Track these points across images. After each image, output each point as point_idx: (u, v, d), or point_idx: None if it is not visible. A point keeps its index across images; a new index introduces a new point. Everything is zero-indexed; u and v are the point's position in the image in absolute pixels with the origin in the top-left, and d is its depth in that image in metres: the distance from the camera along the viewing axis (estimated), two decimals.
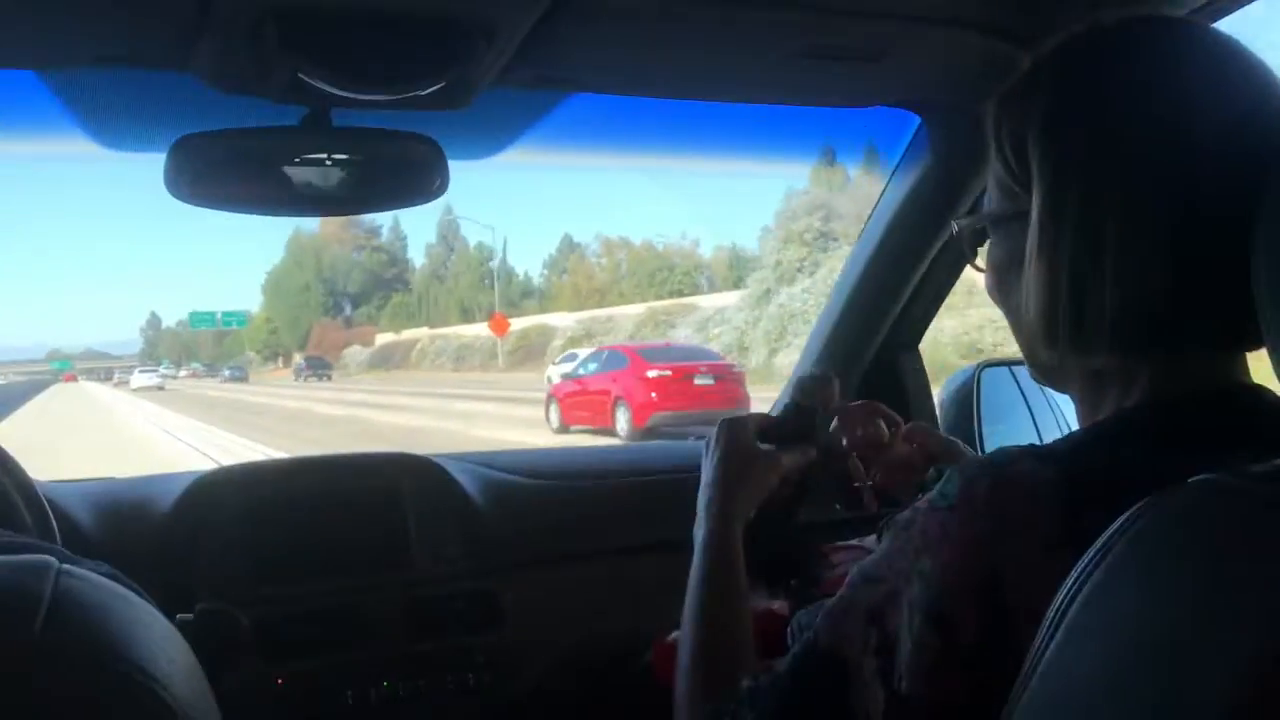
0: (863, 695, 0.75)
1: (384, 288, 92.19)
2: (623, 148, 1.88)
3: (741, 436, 1.21)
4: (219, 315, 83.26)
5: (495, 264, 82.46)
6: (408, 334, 70.35)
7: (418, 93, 1.20)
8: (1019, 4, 1.26)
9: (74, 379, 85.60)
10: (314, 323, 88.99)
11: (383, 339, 73.54)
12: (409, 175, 1.43)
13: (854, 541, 1.63)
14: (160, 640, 0.51)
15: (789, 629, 1.16)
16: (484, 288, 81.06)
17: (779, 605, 1.55)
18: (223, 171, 1.37)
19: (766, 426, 1.27)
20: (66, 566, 0.49)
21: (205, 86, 1.30)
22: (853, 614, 0.78)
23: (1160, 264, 0.73)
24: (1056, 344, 0.78)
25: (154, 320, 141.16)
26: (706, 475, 1.20)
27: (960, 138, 1.62)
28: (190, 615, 1.29)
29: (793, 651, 0.82)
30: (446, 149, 1.40)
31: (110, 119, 1.47)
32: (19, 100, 1.38)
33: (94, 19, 1.12)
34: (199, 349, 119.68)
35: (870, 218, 1.89)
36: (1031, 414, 2.08)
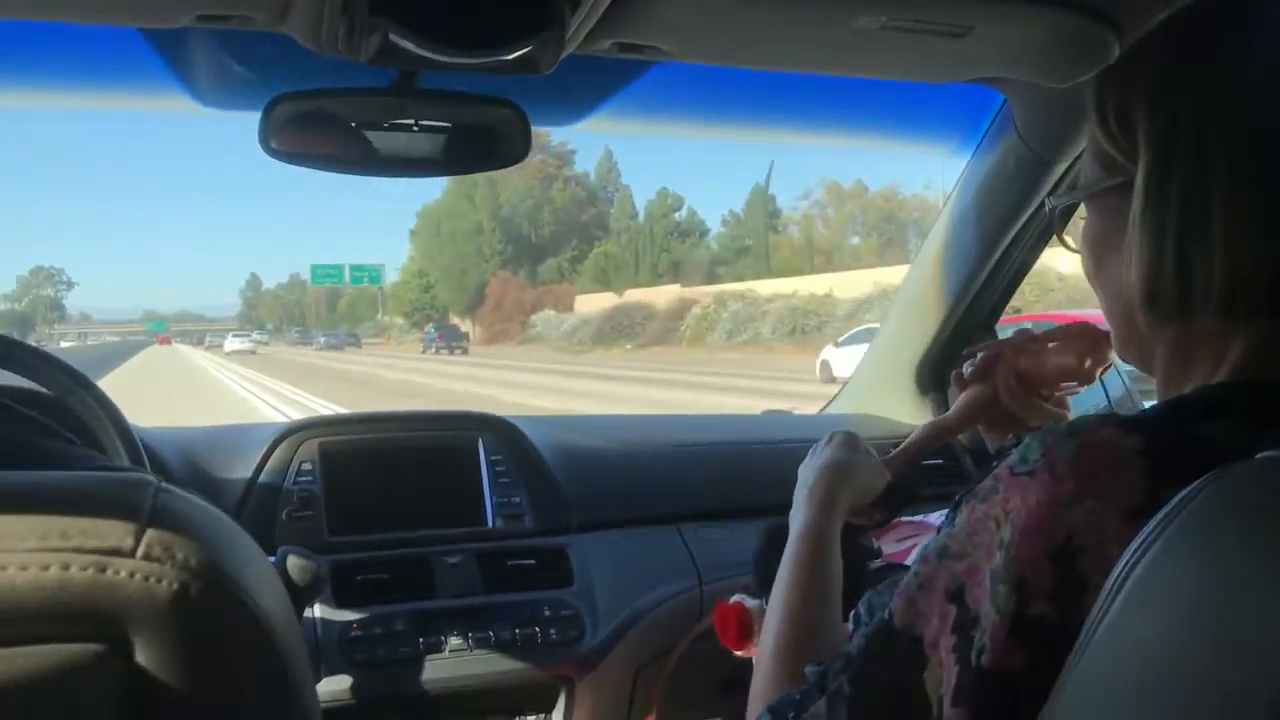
0: (936, 674, 0.73)
1: (579, 235, 70.98)
2: (705, 117, 1.89)
3: (859, 441, 1.23)
4: (346, 270, 71.26)
5: (681, 214, 68.12)
6: (635, 294, 53.82)
7: (503, 57, 1.23)
8: None
9: (168, 341, 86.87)
10: (490, 275, 68.77)
11: (589, 300, 57.79)
12: (493, 139, 1.46)
13: (918, 518, 1.63)
14: (250, 558, 0.54)
15: (854, 610, 1.16)
16: (671, 241, 66.30)
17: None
18: (314, 131, 1.42)
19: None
20: (165, 485, 0.53)
21: (300, 47, 1.34)
22: (930, 591, 0.76)
23: (1269, 231, 0.72)
24: (1156, 310, 0.78)
25: (254, 281, 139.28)
26: (815, 465, 1.20)
27: (1046, 117, 1.60)
28: (272, 558, 1.34)
29: (864, 631, 0.81)
30: (530, 114, 1.44)
31: (208, 77, 1.53)
32: (121, 56, 1.43)
33: None
34: (306, 312, 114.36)
35: (950, 195, 1.88)
36: (1104, 387, 2.06)
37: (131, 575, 0.47)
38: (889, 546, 1.62)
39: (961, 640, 0.72)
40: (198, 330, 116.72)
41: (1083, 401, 2.00)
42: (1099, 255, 0.86)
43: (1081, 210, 0.90)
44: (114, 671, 0.47)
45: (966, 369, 1.31)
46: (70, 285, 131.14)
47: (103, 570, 0.46)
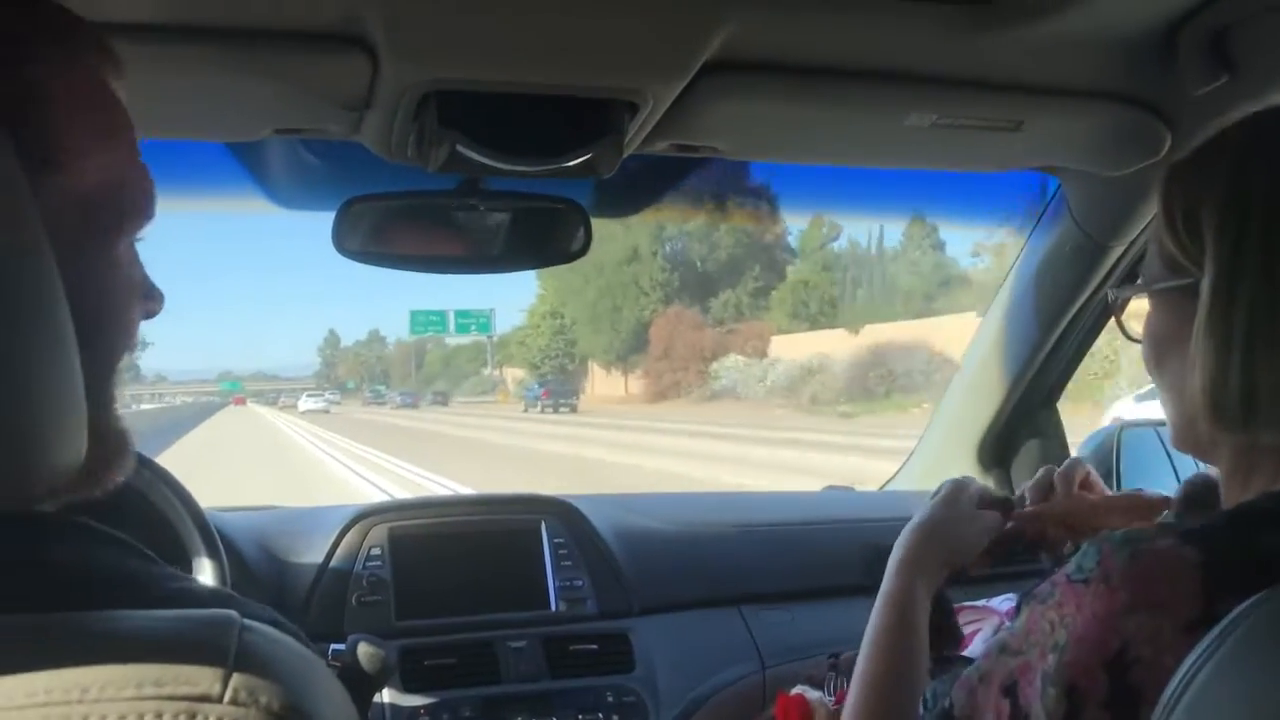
0: None
1: (763, 260, 53.81)
2: (762, 203, 1.93)
3: (964, 496, 1.17)
4: (450, 317, 61.71)
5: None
6: (883, 331, 38.21)
7: (565, 164, 1.28)
8: (1156, 75, 1.26)
9: (243, 402, 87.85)
10: (652, 313, 53.00)
11: (790, 342, 43.30)
12: (555, 235, 1.51)
13: (981, 602, 1.62)
14: (330, 695, 0.57)
15: (923, 697, 1.16)
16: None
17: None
18: (385, 231, 1.48)
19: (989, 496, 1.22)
20: (247, 622, 0.56)
21: (370, 154, 1.41)
22: (988, 685, 0.78)
23: None
24: (1222, 419, 0.77)
25: (332, 339, 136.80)
26: (910, 524, 1.16)
27: (1101, 202, 1.61)
28: (342, 645, 1.38)
29: (925, 718, 0.84)
30: (589, 208, 1.48)
31: (284, 181, 1.60)
32: (204, 164, 1.51)
33: (276, 98, 1.22)
34: (391, 369, 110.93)
35: (1007, 277, 1.89)
36: (1176, 476, 2.02)
37: None
38: None
39: None
40: (272, 390, 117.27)
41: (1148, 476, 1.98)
42: (1161, 352, 0.87)
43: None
44: None
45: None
46: (144, 345, 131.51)
47: (193, 717, 0.49)
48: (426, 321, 62.36)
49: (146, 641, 0.53)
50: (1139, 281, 0.90)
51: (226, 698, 0.50)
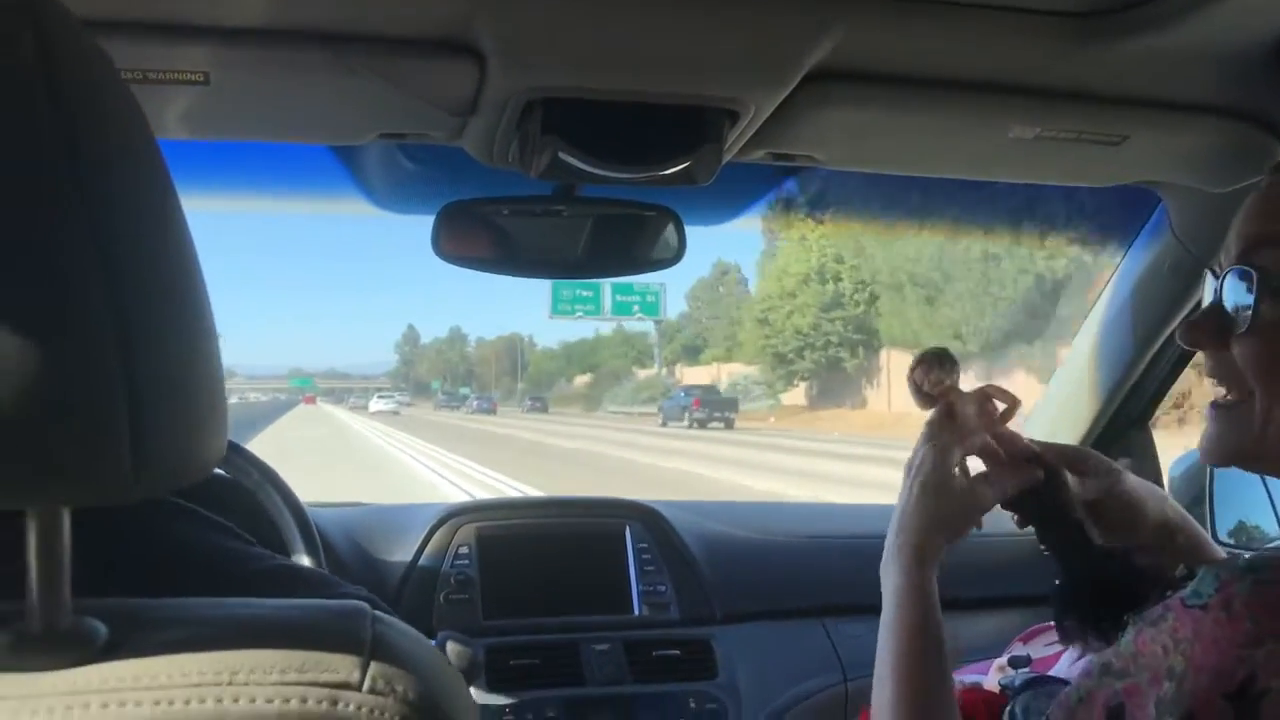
0: None
1: None
2: (854, 214, 1.93)
3: (945, 462, 1.10)
4: (606, 294, 47.65)
5: None
6: None
7: (663, 172, 1.29)
8: (1265, 88, 1.23)
9: (313, 400, 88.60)
10: None
11: None
12: (650, 243, 1.52)
13: None
14: (459, 689, 0.59)
15: (1008, 712, 1.14)
16: None
17: (988, 682, 1.53)
18: (482, 235, 1.50)
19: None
20: (378, 614, 0.58)
21: (469, 159, 1.43)
22: (1090, 706, 0.76)
23: None
24: None
25: (411, 335, 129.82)
26: (901, 507, 1.10)
27: (1204, 218, 1.58)
28: (432, 641, 1.40)
29: None
30: (683, 215, 1.49)
31: (384, 184, 1.63)
32: (308, 166, 1.55)
33: (384, 103, 1.25)
34: (481, 369, 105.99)
35: (1104, 292, 1.86)
36: (1272, 501, 1.97)
37: (359, 708, 0.51)
38: (1036, 652, 1.59)
39: None
40: (343, 389, 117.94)
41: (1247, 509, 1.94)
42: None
43: None
44: None
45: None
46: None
47: (335, 703, 0.51)
48: (574, 299, 46.84)
49: (288, 628, 0.54)
50: (1256, 272, 0.82)
51: (365, 686, 0.52)
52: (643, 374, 71.64)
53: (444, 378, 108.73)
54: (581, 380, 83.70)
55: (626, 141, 1.26)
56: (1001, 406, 1.16)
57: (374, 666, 0.52)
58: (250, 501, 1.44)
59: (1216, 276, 0.87)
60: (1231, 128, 1.33)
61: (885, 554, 1.09)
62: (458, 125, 1.32)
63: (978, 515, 1.11)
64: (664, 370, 67.69)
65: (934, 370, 1.16)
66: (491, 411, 59.17)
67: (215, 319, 0.58)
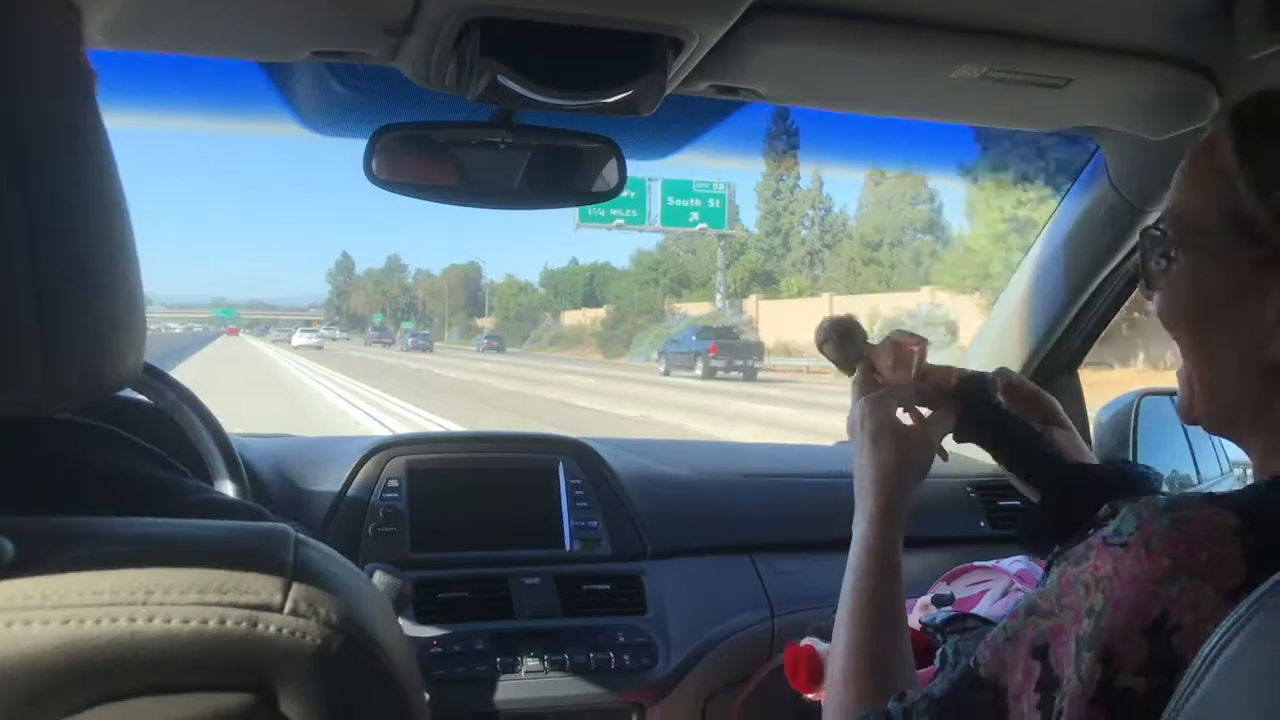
0: None
1: None
2: (790, 153, 1.91)
3: (884, 409, 1.12)
4: (653, 193, 37.20)
5: None
6: None
7: (605, 99, 1.26)
8: (1209, 37, 1.24)
9: (237, 332, 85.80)
10: None
11: None
12: (589, 173, 1.50)
13: (990, 563, 1.63)
14: (382, 611, 0.57)
15: (940, 653, 1.15)
16: None
17: (911, 620, 1.56)
18: (416, 161, 1.46)
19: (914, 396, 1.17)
20: (301, 537, 0.56)
21: (404, 82, 1.39)
22: (1017, 645, 0.77)
23: None
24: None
25: (345, 264, 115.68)
26: (862, 464, 1.12)
27: (1141, 165, 1.60)
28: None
29: (950, 676, 0.82)
30: (624, 148, 1.47)
31: (317, 105, 1.58)
32: (236, 85, 1.49)
33: (315, 19, 1.20)
34: (435, 303, 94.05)
35: (1037, 239, 1.87)
36: (1190, 447, 2.03)
37: (280, 630, 0.50)
38: (960, 591, 1.62)
39: (1044, 699, 0.73)
40: (268, 320, 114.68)
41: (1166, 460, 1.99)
42: (1205, 316, 0.83)
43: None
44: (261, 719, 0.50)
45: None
46: None
47: (255, 625, 0.49)
48: (610, 203, 26.36)
49: (206, 548, 0.53)
50: (1183, 233, 0.84)
51: (287, 608, 0.51)
52: (685, 308, 56.02)
53: (385, 311, 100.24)
54: (577, 318, 68.56)
55: (567, 67, 1.22)
56: (914, 349, 1.19)
57: (296, 588, 0.51)
58: (169, 426, 1.40)
59: None
60: (1173, 75, 1.34)
61: (856, 508, 1.11)
62: (393, 45, 1.27)
63: (930, 454, 1.13)
64: (726, 303, 51.58)
65: (843, 342, 1.21)
66: (428, 349, 55.97)
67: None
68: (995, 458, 1.21)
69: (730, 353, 30.95)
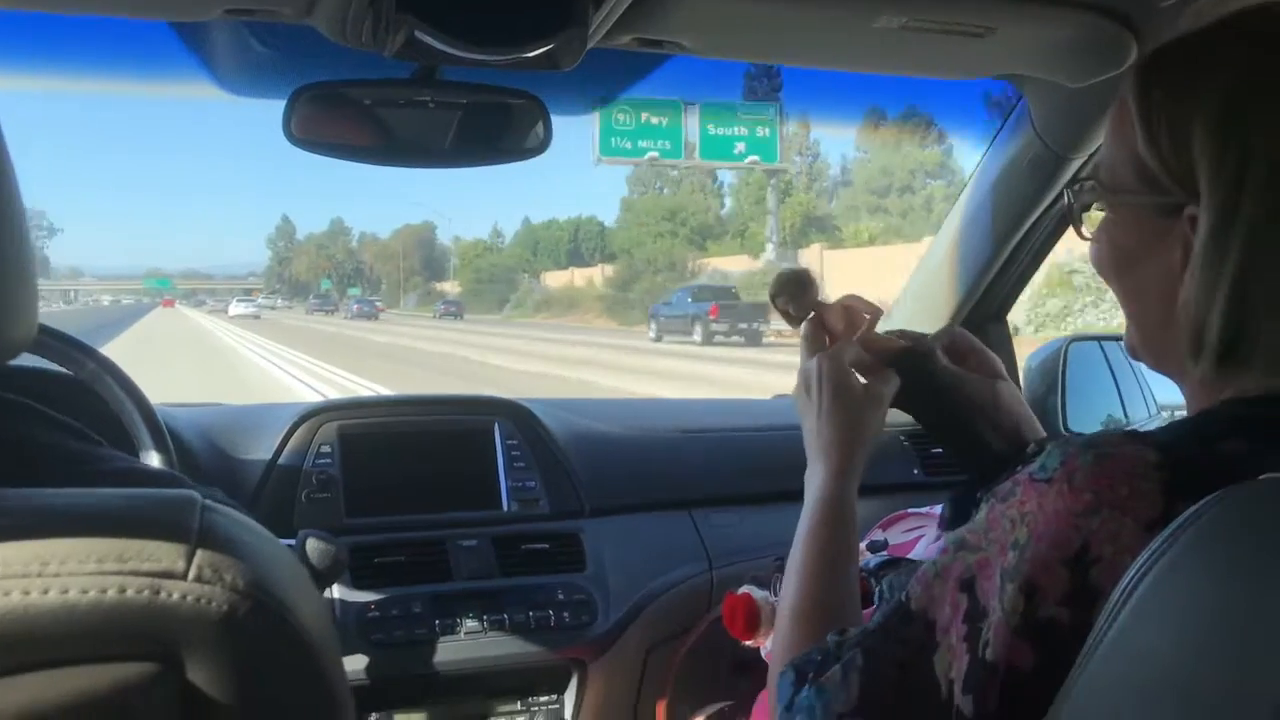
0: (946, 659, 0.77)
1: None
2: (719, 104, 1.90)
3: (841, 365, 1.12)
4: (690, 122, 19.39)
5: None
6: None
7: (526, 54, 1.24)
8: None
9: (172, 304, 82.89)
10: None
11: None
12: (513, 130, 1.48)
13: (925, 509, 1.65)
14: (293, 575, 0.57)
15: (876, 591, 1.17)
16: None
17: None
18: (337, 120, 1.44)
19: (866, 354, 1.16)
20: (209, 503, 0.55)
21: (323, 40, 1.36)
22: (945, 579, 0.79)
23: None
24: (1199, 359, 0.77)
25: (285, 229, 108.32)
26: (816, 423, 1.11)
27: (1063, 113, 1.61)
28: (292, 541, 1.37)
29: (883, 610, 0.84)
30: (548, 103, 1.45)
31: (233, 66, 1.54)
32: (148, 45, 1.45)
33: None
34: (387, 267, 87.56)
35: (965, 187, 1.89)
36: (1118, 390, 2.07)
37: (184, 597, 0.49)
38: (895, 538, 1.65)
39: (971, 630, 0.75)
40: (205, 290, 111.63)
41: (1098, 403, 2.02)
42: (1124, 264, 0.85)
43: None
44: (167, 690, 0.49)
45: None
46: (52, 231, 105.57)
47: (157, 593, 0.49)
48: (639, 131, 22.40)
49: (106, 517, 0.52)
50: (1097, 184, 0.87)
51: (191, 575, 0.50)
52: (715, 263, 48.00)
53: (332, 276, 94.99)
54: (564, 279, 60.25)
55: (486, 22, 1.20)
56: (866, 315, 1.19)
57: (200, 554, 0.50)
58: (89, 397, 1.37)
59: None
60: (1091, 22, 1.35)
61: (809, 464, 1.12)
62: (307, 1, 1.24)
63: (884, 414, 1.14)
64: (779, 253, 42.70)
65: (797, 293, 1.20)
66: (373, 316, 52.45)
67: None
68: (929, 432, 1.23)
69: (733, 315, 27.66)
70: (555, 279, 62.96)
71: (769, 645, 1.37)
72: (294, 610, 0.53)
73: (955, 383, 1.18)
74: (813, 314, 1.20)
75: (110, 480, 0.80)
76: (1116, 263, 0.86)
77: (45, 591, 0.46)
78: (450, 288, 76.47)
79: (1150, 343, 0.86)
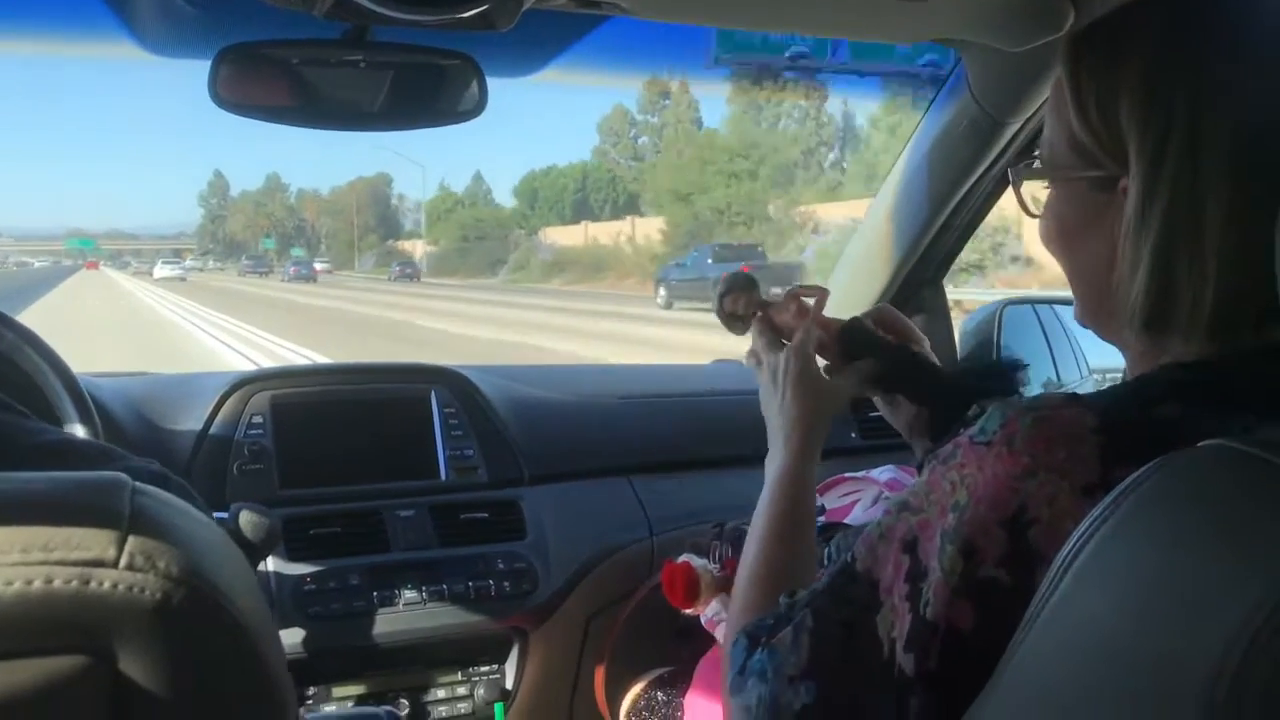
0: (889, 619, 0.78)
1: None
2: (664, 67, 1.88)
3: (810, 365, 1.18)
4: None
5: None
6: None
7: (460, 14, 1.21)
8: None
9: (96, 266, 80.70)
10: None
11: None
12: (448, 92, 1.44)
13: (861, 474, 1.66)
14: (228, 558, 0.55)
15: (825, 552, 1.19)
16: None
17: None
18: (264, 82, 1.39)
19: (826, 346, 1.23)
20: (139, 485, 0.53)
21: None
22: (889, 541, 0.80)
23: (1269, 245, 0.67)
24: (1139, 325, 0.79)
25: (218, 185, 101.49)
26: (780, 409, 1.18)
27: (1000, 78, 1.61)
28: (225, 514, 1.34)
29: (830, 570, 0.86)
30: (483, 65, 1.42)
31: (155, 23, 1.49)
32: (68, 6, 1.39)
33: None
34: (335, 224, 79.22)
35: (903, 150, 1.89)
36: (1051, 353, 2.11)
37: (115, 586, 0.47)
38: (831, 502, 1.66)
39: (913, 590, 0.77)
40: (132, 251, 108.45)
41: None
42: (1068, 239, 0.87)
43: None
44: (98, 682, 0.47)
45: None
46: None
47: (86, 582, 0.47)
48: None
49: (30, 503, 0.50)
50: (1040, 162, 0.89)
51: (122, 562, 0.48)
52: (827, 210, 37.13)
53: (272, 235, 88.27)
54: (573, 236, 51.95)
55: None
56: (811, 300, 1.25)
57: (132, 541, 0.48)
58: (7, 368, 1.33)
59: None
60: None
61: (770, 445, 1.18)
62: None
63: (843, 403, 1.21)
64: None
65: (741, 295, 1.26)
66: (311, 279, 48.46)
67: None
68: (887, 390, 1.25)
69: (765, 277, 24.34)
70: (561, 235, 54.01)
71: (709, 613, 1.38)
72: (230, 596, 0.51)
73: (892, 349, 1.24)
74: (760, 312, 1.25)
75: (43, 456, 0.78)
76: (1063, 238, 0.88)
77: None
78: (413, 247, 68.59)
79: (1096, 313, 0.88)
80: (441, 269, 55.53)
